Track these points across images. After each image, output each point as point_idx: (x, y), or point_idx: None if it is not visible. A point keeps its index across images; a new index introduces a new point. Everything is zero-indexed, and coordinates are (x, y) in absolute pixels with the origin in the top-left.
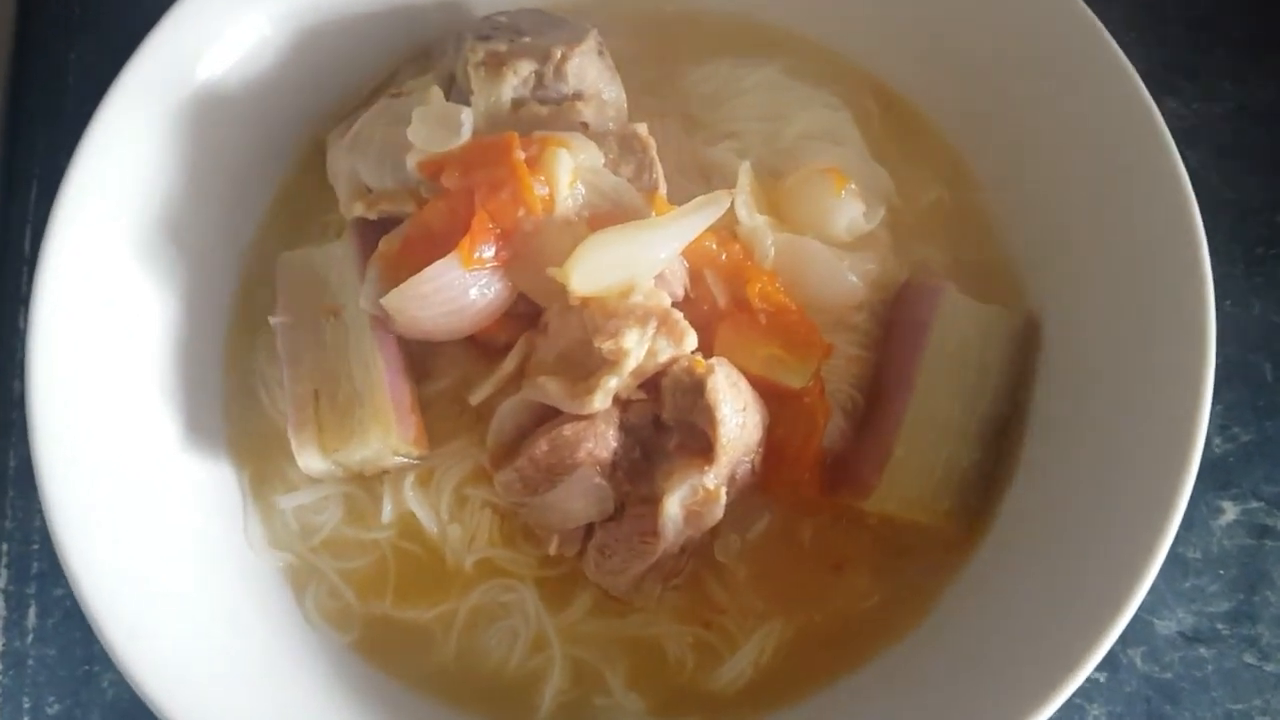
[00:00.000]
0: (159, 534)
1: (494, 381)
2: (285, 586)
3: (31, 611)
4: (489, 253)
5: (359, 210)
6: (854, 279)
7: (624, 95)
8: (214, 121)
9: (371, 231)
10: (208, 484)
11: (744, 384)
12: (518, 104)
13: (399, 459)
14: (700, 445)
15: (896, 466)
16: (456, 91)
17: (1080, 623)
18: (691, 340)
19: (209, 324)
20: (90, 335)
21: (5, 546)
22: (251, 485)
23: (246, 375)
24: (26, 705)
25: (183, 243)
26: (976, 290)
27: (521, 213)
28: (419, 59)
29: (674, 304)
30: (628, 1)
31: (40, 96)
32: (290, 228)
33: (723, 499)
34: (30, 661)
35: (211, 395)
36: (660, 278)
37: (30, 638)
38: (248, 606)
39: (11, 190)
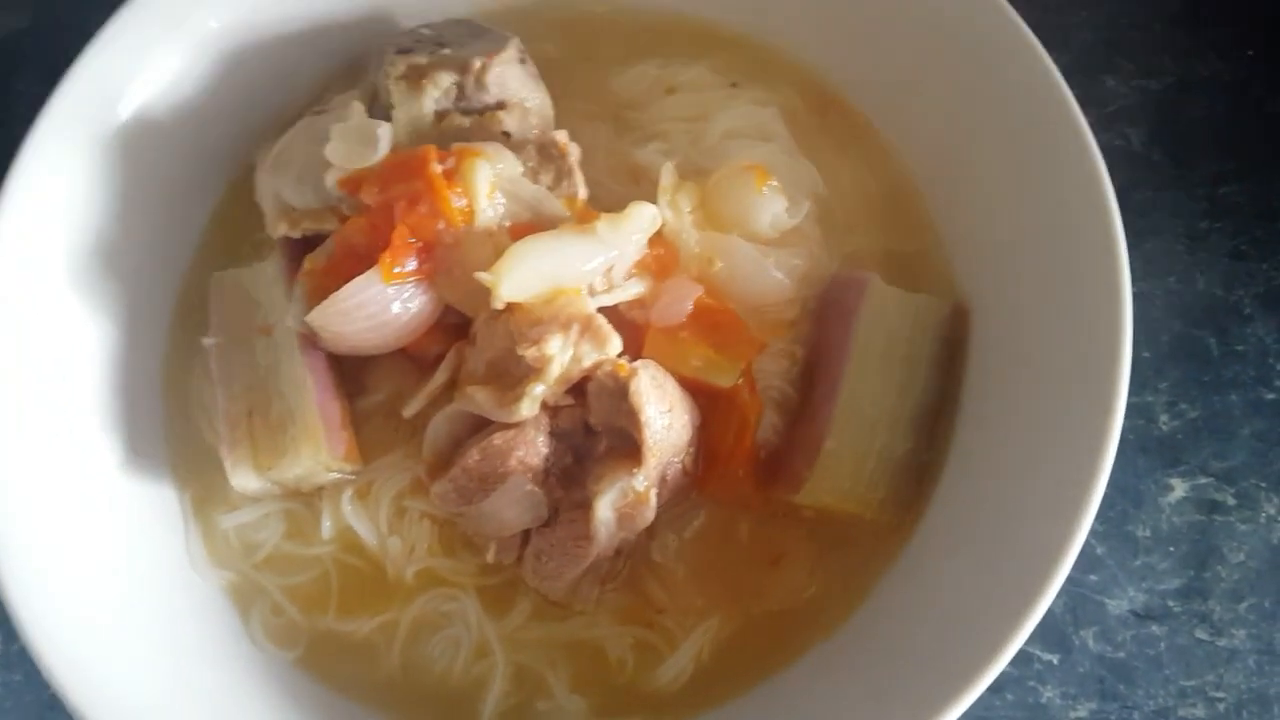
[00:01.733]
0: (100, 562)
1: (426, 394)
2: (229, 607)
3: None
4: (410, 266)
5: (283, 230)
6: (780, 275)
7: (549, 102)
8: (145, 146)
9: (298, 250)
10: (149, 507)
11: (670, 384)
12: (440, 116)
13: (333, 475)
14: (628, 448)
15: (828, 458)
16: (379, 105)
17: (1006, 604)
18: (615, 344)
19: (146, 348)
20: (25, 364)
21: None
22: (194, 505)
23: (185, 397)
24: None
25: (117, 268)
26: (907, 280)
27: (441, 225)
28: (348, 75)
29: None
30: (558, 5)
31: None
32: (225, 249)
33: (653, 501)
34: None
35: (151, 418)
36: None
37: None
38: (192, 629)
39: None
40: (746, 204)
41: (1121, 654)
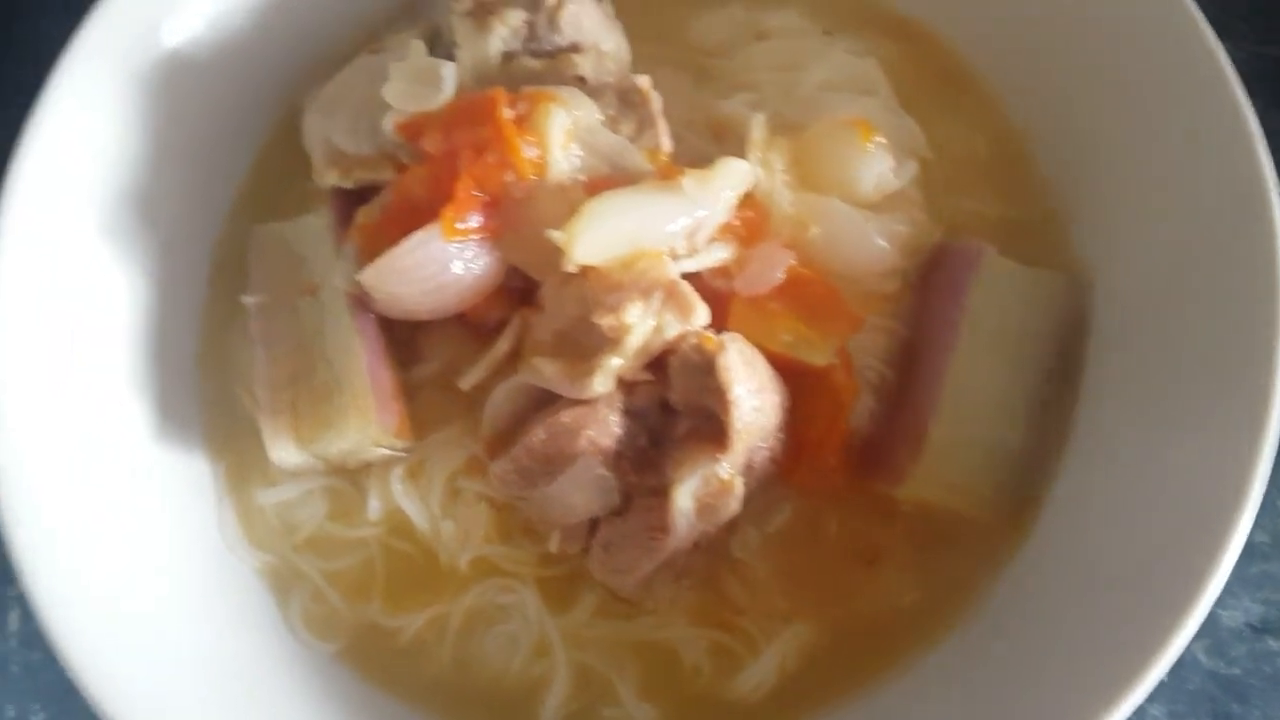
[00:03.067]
0: (126, 539)
1: (486, 364)
2: (266, 592)
3: (14, 615)
4: (474, 222)
5: (333, 179)
6: (882, 243)
7: (625, 45)
8: (183, 83)
9: (350, 202)
10: (181, 480)
11: (760, 362)
12: (508, 58)
13: (382, 451)
14: (712, 431)
15: (933, 449)
16: (442, 46)
17: (1146, 618)
18: (702, 314)
19: (181, 304)
20: (52, 321)
21: None
22: (228, 479)
23: (222, 359)
24: (11, 714)
25: (151, 219)
26: (1019, 251)
27: (510, 177)
28: (408, 11)
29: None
30: None
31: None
32: (268, 199)
33: (739, 490)
34: (14, 667)
35: (185, 382)
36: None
37: (13, 642)
38: (225, 615)
39: None
40: (849, 162)
41: (1236, 670)
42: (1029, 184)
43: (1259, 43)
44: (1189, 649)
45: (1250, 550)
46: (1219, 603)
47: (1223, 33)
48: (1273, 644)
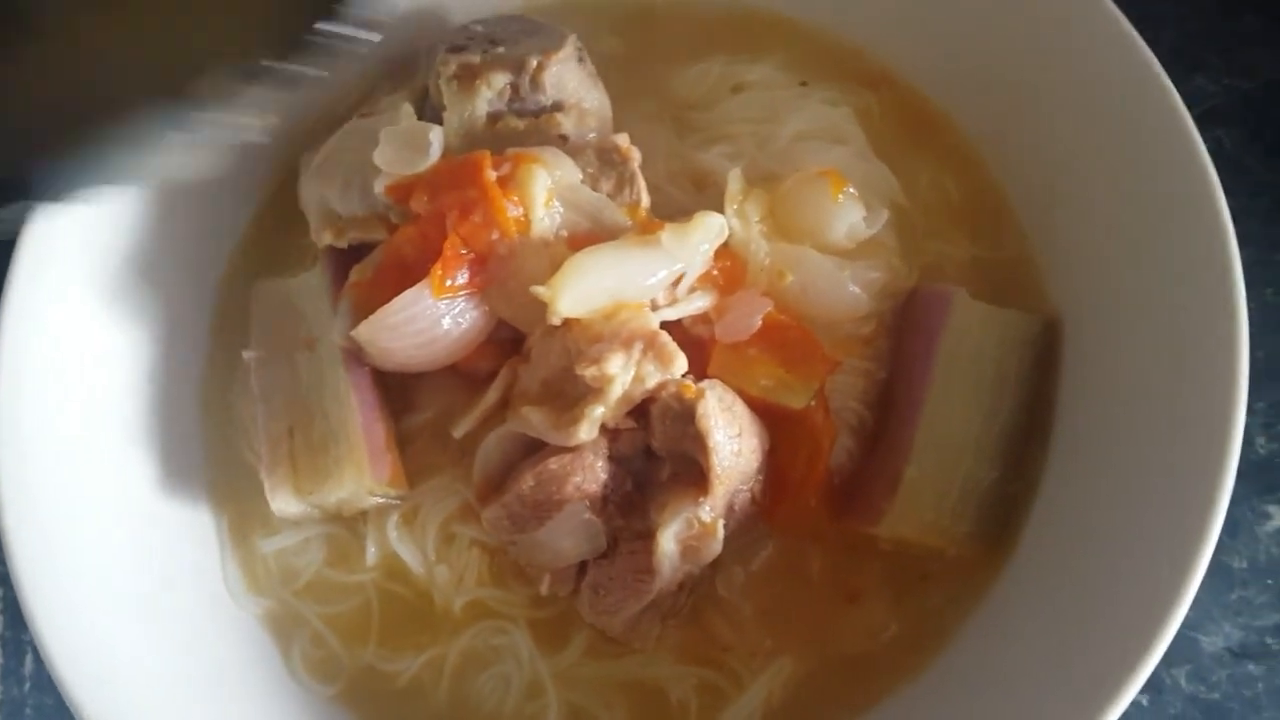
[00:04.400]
0: (132, 588)
1: (477, 413)
2: (267, 637)
3: (29, 659)
4: (463, 279)
5: (328, 239)
6: (856, 290)
7: (607, 102)
8: None
9: (345, 260)
10: (185, 530)
11: (740, 407)
12: (494, 118)
13: (377, 499)
14: (694, 475)
15: (909, 488)
16: (430, 108)
17: (1116, 647)
18: (681, 363)
19: (184, 360)
20: (55, 377)
21: (1, 591)
22: (231, 529)
23: (224, 414)
24: None
25: (152, 278)
26: (992, 294)
27: (495, 235)
28: (397, 75)
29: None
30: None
31: None
32: (267, 257)
33: (720, 532)
34: (28, 710)
35: (188, 436)
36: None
37: (28, 685)
38: (228, 661)
39: None
40: (821, 213)
41: (1216, 695)
42: (1001, 227)
43: (1232, 75)
44: (1170, 674)
45: (1229, 576)
46: (1199, 628)
47: (1196, 66)
48: (1252, 668)
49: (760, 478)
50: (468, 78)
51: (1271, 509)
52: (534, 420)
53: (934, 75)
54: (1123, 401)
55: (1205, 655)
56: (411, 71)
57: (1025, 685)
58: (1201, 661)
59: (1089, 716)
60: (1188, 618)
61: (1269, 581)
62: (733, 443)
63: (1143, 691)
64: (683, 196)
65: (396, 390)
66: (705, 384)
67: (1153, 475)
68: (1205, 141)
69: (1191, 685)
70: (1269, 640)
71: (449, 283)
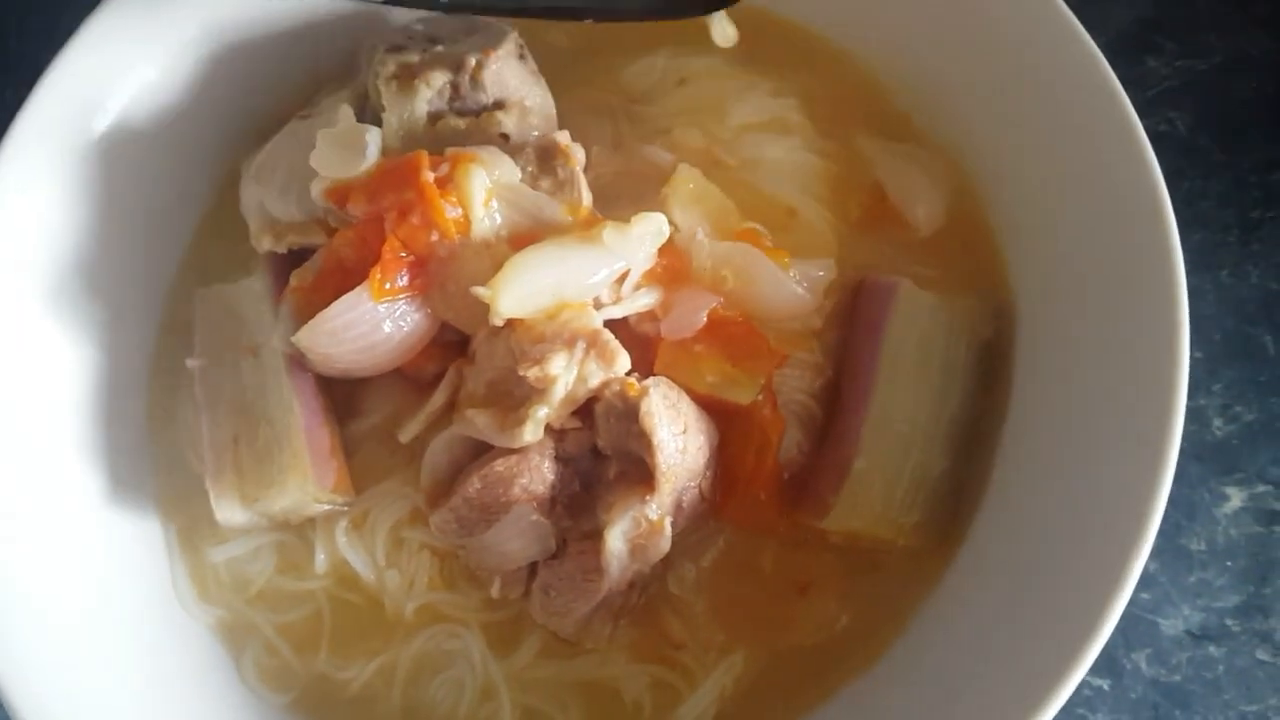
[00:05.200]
0: (80, 600)
1: (424, 417)
2: (220, 647)
3: None
4: (403, 281)
5: (267, 244)
6: (800, 290)
7: (550, 99)
8: (124, 155)
9: (286, 265)
10: (133, 540)
11: (685, 403)
12: (434, 118)
13: (323, 507)
14: (640, 474)
15: (857, 480)
16: (369, 109)
17: (1065, 630)
18: (624, 362)
19: (130, 370)
20: (1, 393)
21: None
22: (180, 538)
23: (170, 423)
24: None
25: (97, 286)
26: (941, 281)
27: (435, 237)
28: (340, 76)
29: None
30: None
31: None
32: (213, 264)
33: (668, 530)
34: None
35: (135, 446)
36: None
37: None
38: (180, 672)
39: None
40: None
41: (1177, 677)
42: (953, 213)
43: (1184, 57)
44: (1130, 658)
45: (1188, 559)
46: (1159, 611)
47: (1148, 49)
48: (1213, 650)
49: (709, 474)
50: (407, 77)
51: (1229, 490)
52: (479, 423)
53: (880, 64)
54: (1072, 388)
55: (1165, 638)
56: (353, 72)
57: (977, 672)
58: (1162, 645)
59: (1040, 699)
60: (1147, 601)
61: (1228, 563)
62: (678, 440)
63: (1104, 676)
64: (630, 190)
65: (342, 395)
66: (649, 382)
67: (1100, 460)
68: (1159, 124)
69: (1152, 669)
70: (1229, 622)
71: (388, 285)
